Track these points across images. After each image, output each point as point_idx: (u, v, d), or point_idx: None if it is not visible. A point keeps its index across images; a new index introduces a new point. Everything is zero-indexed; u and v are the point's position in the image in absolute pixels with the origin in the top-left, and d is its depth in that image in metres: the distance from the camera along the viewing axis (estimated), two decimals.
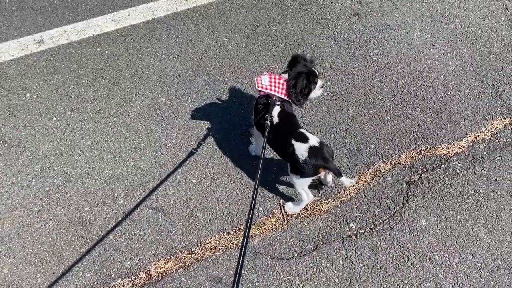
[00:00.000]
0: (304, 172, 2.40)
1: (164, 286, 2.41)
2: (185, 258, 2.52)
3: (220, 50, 3.57)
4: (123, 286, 2.42)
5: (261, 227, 2.67)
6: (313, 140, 2.39)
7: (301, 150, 2.36)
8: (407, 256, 2.56)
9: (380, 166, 2.95)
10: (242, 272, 2.48)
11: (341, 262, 2.54)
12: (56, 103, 3.13)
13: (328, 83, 3.39)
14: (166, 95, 3.24)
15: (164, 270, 2.47)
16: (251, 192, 2.71)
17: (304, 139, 2.40)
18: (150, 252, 2.53)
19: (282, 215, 2.71)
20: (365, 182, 2.87)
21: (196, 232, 2.63)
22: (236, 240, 2.61)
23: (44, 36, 3.52)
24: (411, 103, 3.29)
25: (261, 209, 2.74)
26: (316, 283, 2.46)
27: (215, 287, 2.44)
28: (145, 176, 2.81)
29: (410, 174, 2.92)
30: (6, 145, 2.90)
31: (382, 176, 2.90)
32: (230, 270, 2.48)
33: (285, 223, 2.69)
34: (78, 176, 2.79)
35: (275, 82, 2.52)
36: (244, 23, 3.78)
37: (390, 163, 2.97)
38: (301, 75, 2.48)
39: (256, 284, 2.45)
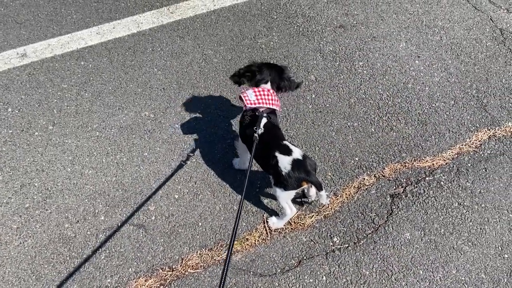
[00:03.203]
0: (287, 185, 2.38)
1: None
2: (166, 276, 2.49)
3: (205, 63, 3.56)
4: None
5: (244, 243, 2.63)
6: (297, 153, 2.38)
7: (284, 162, 2.36)
8: (391, 271, 2.54)
9: (364, 179, 2.93)
10: None
11: (324, 278, 2.51)
12: (38, 118, 3.10)
13: (313, 96, 3.38)
14: (150, 109, 3.22)
15: None
16: (235, 207, 2.69)
17: (287, 151, 2.39)
18: (130, 269, 2.49)
19: (266, 230, 2.68)
20: (349, 195, 2.85)
21: (177, 248, 2.60)
22: (218, 256, 2.58)
23: (28, 50, 3.50)
24: (396, 115, 3.29)
25: (244, 224, 2.71)
26: None
27: None
28: (126, 192, 2.78)
29: (394, 187, 2.90)
30: None
31: (366, 189, 2.88)
32: (211, 287, 2.44)
33: (269, 238, 2.66)
34: (59, 192, 2.76)
35: (260, 94, 2.52)
36: (229, 35, 3.78)
37: (375, 176, 2.95)
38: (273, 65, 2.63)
39: None
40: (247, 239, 2.66)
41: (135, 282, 2.46)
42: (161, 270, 2.51)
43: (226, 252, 1.78)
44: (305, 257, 2.59)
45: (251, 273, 2.52)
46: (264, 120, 2.50)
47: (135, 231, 2.63)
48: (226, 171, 2.93)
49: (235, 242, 2.64)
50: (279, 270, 2.54)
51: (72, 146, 2.98)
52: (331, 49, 3.73)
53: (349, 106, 3.33)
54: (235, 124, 3.14)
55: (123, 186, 2.80)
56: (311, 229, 2.71)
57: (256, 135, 2.41)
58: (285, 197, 2.51)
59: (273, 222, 2.68)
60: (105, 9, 3.85)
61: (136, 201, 2.75)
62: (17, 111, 3.13)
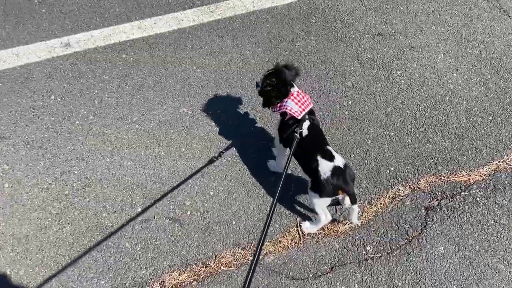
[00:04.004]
0: (323, 191, 2.39)
1: None
2: (199, 271, 2.51)
3: (243, 63, 3.58)
4: None
5: (276, 245, 2.65)
6: (339, 161, 2.39)
7: (324, 167, 2.36)
8: (424, 284, 2.52)
9: (399, 189, 2.92)
10: None
11: (356, 286, 2.51)
12: (79, 107, 3.16)
13: (350, 102, 3.38)
14: (188, 105, 3.26)
15: (178, 282, 2.46)
16: (268, 208, 2.70)
17: (330, 157, 2.40)
18: (165, 262, 2.53)
19: (299, 233, 2.69)
20: (383, 205, 2.84)
21: (211, 245, 2.62)
22: (251, 256, 2.59)
23: (71, 40, 3.57)
24: (433, 127, 3.27)
25: (277, 226, 2.72)
26: None
27: None
28: (164, 185, 2.81)
29: (429, 200, 2.88)
30: (28, 146, 2.93)
31: (401, 200, 2.87)
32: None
33: (301, 242, 2.67)
34: (98, 181, 2.81)
35: (299, 100, 2.53)
36: (268, 37, 3.80)
37: (410, 187, 2.94)
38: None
39: None
40: (280, 241, 2.67)
41: (169, 275, 2.49)
42: (194, 266, 2.54)
43: (254, 254, 1.79)
44: (337, 264, 2.59)
45: (283, 275, 2.53)
46: (307, 123, 2.50)
47: (171, 224, 2.67)
48: (260, 171, 2.95)
49: (268, 244, 2.66)
50: (311, 275, 2.54)
51: (112, 137, 3.03)
52: (369, 56, 3.72)
53: (385, 115, 3.31)
54: (270, 125, 3.16)
55: (160, 180, 2.84)
56: (344, 236, 2.71)
57: (296, 134, 2.43)
58: (319, 204, 2.52)
59: (307, 226, 2.69)
60: (147, 4, 3.91)
61: (173, 195, 2.78)
62: (59, 99, 3.20)
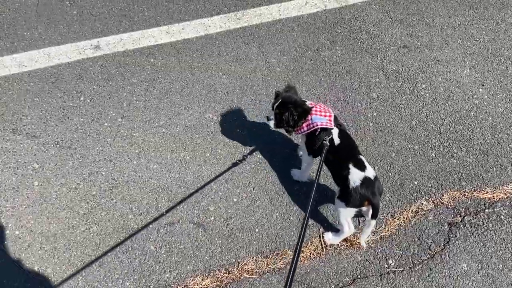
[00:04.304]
0: (350, 200, 2.41)
1: None
2: (222, 277, 2.54)
3: (268, 71, 3.61)
4: None
5: (299, 255, 2.65)
6: (370, 172, 2.41)
7: (355, 176, 2.38)
8: None
9: (422, 204, 2.92)
10: None
11: None
12: (108, 109, 3.22)
13: (374, 114, 3.38)
14: (214, 111, 3.30)
15: (201, 287, 2.49)
16: (291, 217, 2.73)
17: (362, 167, 2.42)
18: (188, 267, 2.56)
19: (321, 244, 2.71)
20: (406, 219, 2.84)
21: (234, 251, 2.65)
22: (274, 264, 2.62)
23: (101, 42, 3.64)
24: (457, 142, 3.26)
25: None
26: None
27: None
28: (188, 190, 2.86)
29: (452, 216, 2.87)
30: (58, 145, 3.00)
31: (424, 214, 2.87)
32: None
33: (323, 252, 2.68)
34: (125, 183, 2.86)
35: (322, 110, 2.57)
36: (293, 46, 3.83)
37: (433, 202, 2.93)
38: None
39: None
40: (302, 251, 2.68)
41: (193, 280, 2.52)
42: (217, 271, 2.57)
43: (289, 269, 1.81)
44: (359, 276, 2.60)
45: (305, 285, 2.55)
46: (336, 131, 2.54)
47: (195, 229, 2.70)
48: (284, 180, 2.97)
49: (290, 253, 2.67)
50: (333, 286, 2.55)
51: (139, 140, 3.08)
52: (394, 68, 3.73)
53: (410, 128, 3.31)
54: (294, 134, 3.17)
55: (185, 184, 2.88)
56: (366, 249, 2.71)
57: (326, 141, 2.46)
58: (345, 213, 2.53)
59: (329, 238, 2.70)
60: (175, 10, 3.97)
61: (197, 200, 2.82)
62: (89, 101, 3.27)
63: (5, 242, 2.58)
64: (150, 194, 2.82)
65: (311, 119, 2.51)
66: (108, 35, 3.70)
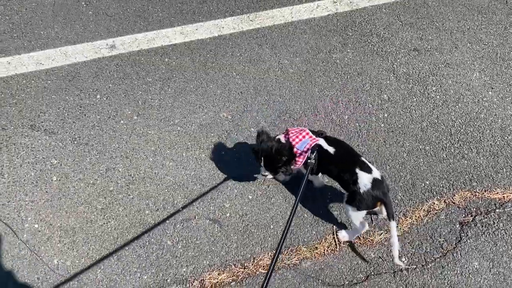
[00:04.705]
0: (363, 204, 2.42)
1: None
2: (238, 272, 2.58)
3: (281, 72, 3.67)
4: None
5: (313, 251, 2.70)
6: (376, 173, 2.44)
7: (364, 180, 2.39)
8: None
9: (434, 203, 2.96)
10: None
11: None
12: (124, 107, 3.27)
13: (385, 115, 3.43)
14: (228, 110, 3.35)
15: (218, 281, 2.53)
16: (305, 215, 2.77)
17: (368, 169, 2.43)
18: (205, 261, 2.60)
19: (335, 241, 2.75)
20: (418, 218, 2.88)
21: (250, 247, 2.69)
22: (289, 260, 2.66)
23: (116, 42, 3.70)
24: (468, 143, 3.30)
25: (314, 232, 2.78)
26: None
27: None
28: (204, 187, 2.90)
29: (463, 215, 2.91)
30: (75, 142, 3.05)
31: (435, 213, 2.91)
32: None
33: (337, 249, 2.72)
34: (141, 179, 2.91)
35: (297, 135, 2.51)
36: (305, 47, 3.89)
37: (444, 202, 2.97)
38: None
39: None
40: (316, 247, 2.73)
41: (209, 274, 2.56)
42: (233, 266, 2.61)
43: (273, 258, 1.83)
44: (373, 273, 2.64)
45: (320, 281, 2.58)
46: (322, 142, 2.50)
47: (211, 225, 2.74)
48: (297, 180, 3.01)
49: (304, 249, 2.72)
50: (347, 282, 2.59)
51: (155, 137, 3.13)
52: (404, 71, 3.78)
53: (421, 129, 3.36)
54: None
55: (201, 181, 2.93)
56: (379, 246, 2.75)
57: (311, 160, 2.45)
58: (357, 216, 2.56)
59: (343, 235, 2.74)
60: (189, 11, 4.03)
61: (213, 197, 2.86)
62: (105, 99, 3.32)
63: (25, 235, 2.62)
64: (166, 190, 2.87)
65: (298, 149, 2.47)
66: (123, 35, 3.76)
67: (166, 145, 3.09)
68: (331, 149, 2.48)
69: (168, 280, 2.51)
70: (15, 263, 2.53)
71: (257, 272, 2.58)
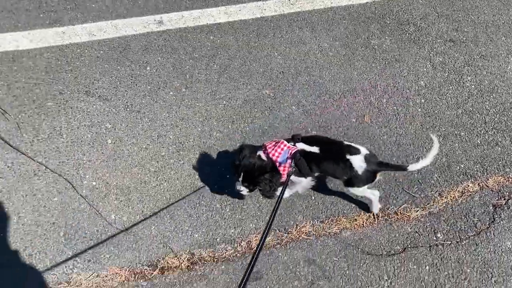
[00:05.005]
0: (363, 182, 2.50)
1: (263, 258, 2.63)
2: (282, 236, 2.74)
3: (321, 55, 3.80)
4: (226, 250, 2.66)
5: (352, 222, 2.85)
6: (363, 149, 2.48)
7: (358, 162, 2.41)
8: (491, 274, 2.68)
9: (468, 185, 3.08)
10: (334, 258, 2.67)
11: (427, 267, 2.68)
12: (173, 80, 3.43)
13: (422, 100, 3.55)
14: (270, 88, 3.49)
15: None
16: (345, 188, 2.91)
17: (355, 150, 2.44)
18: (251, 224, 2.76)
19: (373, 214, 2.88)
20: (453, 198, 3.01)
21: (292, 215, 2.84)
22: (329, 229, 2.80)
23: (164, 18, 3.86)
24: (502, 132, 3.41)
25: (353, 205, 2.92)
26: (403, 281, 2.62)
27: (309, 268, 2.63)
28: None
29: (497, 198, 3.04)
30: (128, 109, 3.21)
31: (470, 195, 3.03)
32: (323, 254, 2.68)
33: (376, 222, 2.86)
34: (191, 147, 3.07)
35: (274, 148, 2.47)
36: (344, 32, 4.01)
37: (478, 185, 3.10)
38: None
39: (347, 272, 2.63)
40: (355, 219, 2.87)
41: (255, 236, 2.72)
42: (278, 231, 2.76)
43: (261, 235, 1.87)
44: (409, 246, 2.78)
45: (359, 250, 2.73)
46: (301, 145, 2.49)
47: (257, 192, 2.89)
48: None
49: (344, 220, 2.86)
50: (385, 252, 2.73)
51: (202, 109, 3.29)
52: (440, 60, 3.89)
53: (456, 116, 3.48)
54: (347, 112, 3.35)
55: None
56: (415, 222, 2.89)
57: (291, 169, 2.42)
58: (363, 191, 2.67)
59: (371, 210, 2.87)
60: None
61: None
62: (154, 71, 3.48)
63: (84, 191, 2.79)
64: (214, 158, 3.02)
65: (279, 163, 2.41)
66: (170, 12, 3.91)
67: (213, 117, 3.24)
68: (315, 149, 2.45)
69: (218, 239, 2.67)
70: (76, 216, 2.70)
71: (300, 238, 2.73)
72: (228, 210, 2.78)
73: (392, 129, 3.32)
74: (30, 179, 2.80)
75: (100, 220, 2.68)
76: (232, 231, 2.71)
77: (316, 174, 2.59)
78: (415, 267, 2.66)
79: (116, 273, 2.49)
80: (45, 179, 2.80)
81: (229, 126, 3.20)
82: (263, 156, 2.45)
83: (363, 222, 2.84)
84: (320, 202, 2.90)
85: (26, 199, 2.72)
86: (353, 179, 2.49)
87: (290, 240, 2.71)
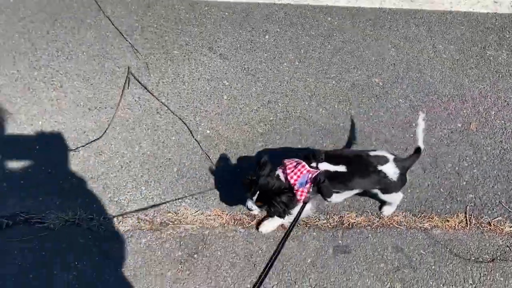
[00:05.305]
0: (400, 186, 2.47)
1: (354, 235, 2.73)
2: (373, 219, 2.83)
3: (434, 55, 3.78)
4: (319, 219, 2.79)
5: (444, 222, 2.88)
6: (390, 156, 2.41)
7: (391, 169, 2.35)
8: None
9: None
10: (422, 251, 2.72)
11: None
12: (288, 52, 3.57)
13: None
14: (380, 77, 3.54)
15: (355, 222, 2.79)
16: (441, 189, 2.94)
17: (384, 159, 2.34)
18: (345, 202, 2.87)
19: (466, 219, 2.89)
20: None
21: None
22: (421, 224, 2.86)
23: None
24: None
25: (447, 206, 2.95)
26: None
27: (396, 254, 2.71)
28: (351, 140, 3.14)
29: None
30: (244, 71, 3.39)
31: None
32: (411, 245, 2.74)
33: (467, 227, 2.87)
34: (296, 118, 3.21)
35: (293, 170, 2.31)
36: (461, 38, 3.94)
37: None
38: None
39: (433, 267, 2.69)
40: (448, 220, 2.89)
41: (348, 214, 2.82)
42: (370, 214, 2.86)
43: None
44: (499, 258, 2.77)
45: (448, 249, 2.76)
46: (325, 165, 2.34)
47: None
48: (438, 157, 3.15)
49: (436, 219, 2.90)
50: (473, 258, 2.75)
51: (312, 85, 3.40)
52: None
53: None
54: (454, 115, 3.33)
55: (347, 132, 3.17)
56: (508, 237, 2.87)
57: (309, 195, 2.26)
58: (399, 196, 2.67)
59: (388, 210, 2.86)
60: None
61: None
62: (272, 40, 3.63)
63: (198, 136, 3.02)
64: (317, 133, 3.14)
65: (297, 187, 2.24)
66: None
67: (321, 94, 3.36)
68: (341, 168, 2.31)
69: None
70: (189, 157, 2.94)
71: (391, 225, 2.81)
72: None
73: (497, 142, 3.27)
74: (153, 115, 3.06)
75: (210, 164, 2.90)
76: (326, 203, 2.83)
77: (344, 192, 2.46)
78: (502, 279, 2.67)
79: (218, 215, 2.70)
80: (166, 118, 3.06)
81: (335, 106, 3.30)
82: (282, 176, 2.28)
83: (455, 224, 2.86)
84: (415, 197, 2.95)
85: (147, 132, 3.00)
86: (390, 188, 2.43)
87: (381, 225, 2.79)
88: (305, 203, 2.23)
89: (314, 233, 2.73)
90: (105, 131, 2.91)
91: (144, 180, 2.83)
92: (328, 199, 2.36)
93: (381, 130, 3.21)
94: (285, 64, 3.48)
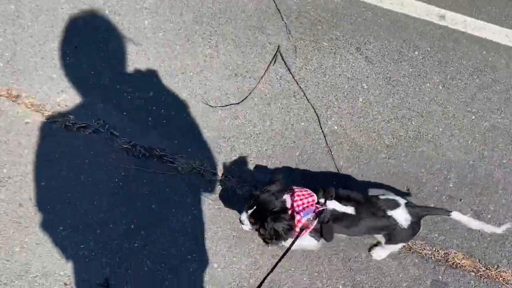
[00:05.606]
0: (412, 236, 2.27)
1: (456, 276, 2.63)
2: (480, 267, 2.75)
3: None
4: (424, 248, 2.71)
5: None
6: (399, 199, 2.22)
7: (401, 216, 2.21)
8: None
9: None
10: None
11: None
12: (433, 74, 3.50)
13: None
14: None
15: (460, 264, 2.73)
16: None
17: (395, 204, 2.22)
18: (455, 240, 2.77)
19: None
20: None
21: (497, 257, 2.76)
22: None
23: (447, 15, 3.86)
24: None
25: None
26: None
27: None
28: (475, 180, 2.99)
29: None
30: (386, 80, 3.38)
31: None
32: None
33: None
34: (427, 141, 3.20)
35: (302, 198, 2.16)
36: None
37: None
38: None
39: None
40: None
41: (455, 253, 2.73)
42: (478, 261, 2.74)
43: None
44: None
45: None
46: (333, 203, 2.18)
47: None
48: None
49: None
50: None
51: (450, 113, 3.33)
52: None
53: None
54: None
55: (476, 176, 3.02)
56: None
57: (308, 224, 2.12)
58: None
59: (379, 254, 2.67)
60: None
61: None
62: (420, 58, 3.56)
63: (326, 129, 3.07)
64: (443, 163, 3.04)
65: (301, 216, 2.11)
66: (455, 11, 3.87)
67: (458, 126, 3.24)
68: (349, 209, 2.18)
69: (420, 235, 2.75)
70: (313, 146, 3.02)
71: (497, 280, 2.67)
72: (438, 218, 2.82)
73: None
74: (289, 97, 3.17)
75: (330, 160, 2.95)
76: (436, 235, 2.76)
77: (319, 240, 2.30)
78: None
79: None
80: (300, 103, 3.16)
81: (469, 142, 3.18)
82: (288, 202, 2.15)
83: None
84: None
85: (280, 111, 3.12)
86: (397, 235, 2.23)
87: (486, 276, 2.68)
88: (301, 229, 2.10)
89: (416, 260, 2.70)
90: (245, 99, 3.08)
91: (267, 154, 2.97)
92: (328, 241, 2.22)
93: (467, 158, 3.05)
94: (428, 84, 3.41)
